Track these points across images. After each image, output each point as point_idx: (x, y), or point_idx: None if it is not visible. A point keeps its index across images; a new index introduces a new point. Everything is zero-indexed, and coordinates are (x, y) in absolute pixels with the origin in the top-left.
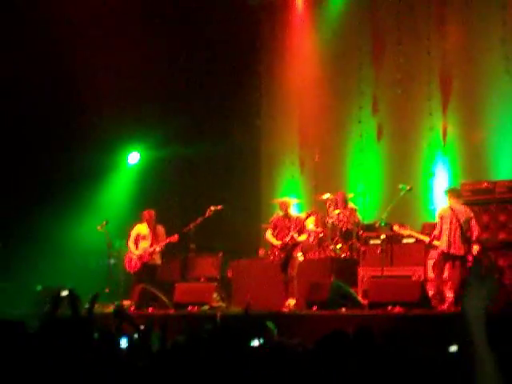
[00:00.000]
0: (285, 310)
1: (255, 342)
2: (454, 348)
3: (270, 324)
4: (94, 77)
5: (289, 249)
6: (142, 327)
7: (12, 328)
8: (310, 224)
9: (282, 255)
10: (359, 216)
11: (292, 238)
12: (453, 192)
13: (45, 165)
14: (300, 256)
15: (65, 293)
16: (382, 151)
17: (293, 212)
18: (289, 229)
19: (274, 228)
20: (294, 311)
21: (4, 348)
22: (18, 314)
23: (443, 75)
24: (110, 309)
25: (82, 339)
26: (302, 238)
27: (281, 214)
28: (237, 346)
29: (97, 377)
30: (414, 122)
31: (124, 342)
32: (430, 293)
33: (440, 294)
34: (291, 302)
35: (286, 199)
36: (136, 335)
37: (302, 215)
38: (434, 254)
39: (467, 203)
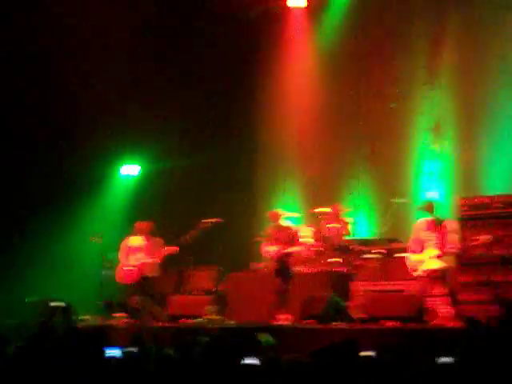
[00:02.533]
0: (276, 322)
1: (249, 357)
2: (444, 360)
3: (265, 337)
4: (91, 87)
5: (280, 260)
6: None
7: None
8: (307, 237)
9: (275, 267)
10: (351, 230)
11: (279, 249)
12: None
13: (38, 175)
14: (296, 268)
15: (57, 304)
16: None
17: (284, 223)
18: (278, 240)
19: (268, 240)
20: (286, 324)
21: None
22: (10, 324)
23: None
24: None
25: (71, 349)
26: (293, 249)
27: (272, 225)
28: (231, 359)
29: None
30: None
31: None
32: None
33: (433, 310)
34: (282, 315)
35: (275, 210)
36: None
37: (294, 226)
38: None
39: (464, 218)
